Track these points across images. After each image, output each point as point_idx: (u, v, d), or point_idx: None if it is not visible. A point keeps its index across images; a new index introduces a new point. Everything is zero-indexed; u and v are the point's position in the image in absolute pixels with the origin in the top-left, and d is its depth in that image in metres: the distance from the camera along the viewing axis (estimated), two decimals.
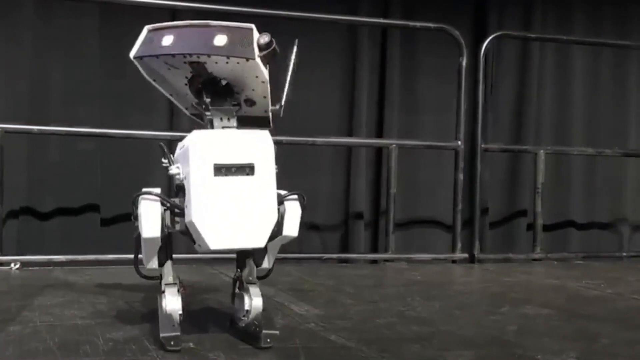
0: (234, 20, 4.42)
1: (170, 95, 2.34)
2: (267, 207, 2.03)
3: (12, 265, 3.65)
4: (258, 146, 2.04)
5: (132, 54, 2.15)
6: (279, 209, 2.08)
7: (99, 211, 4.30)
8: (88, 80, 4.29)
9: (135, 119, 4.25)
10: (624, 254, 5.16)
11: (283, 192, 2.14)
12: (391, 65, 4.95)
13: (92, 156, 4.30)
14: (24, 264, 3.69)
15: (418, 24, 4.59)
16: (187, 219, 2.02)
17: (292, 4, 4.23)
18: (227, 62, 2.13)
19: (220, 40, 2.11)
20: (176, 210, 2.09)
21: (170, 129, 4.34)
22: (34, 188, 4.20)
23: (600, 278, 3.88)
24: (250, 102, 2.27)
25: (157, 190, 2.11)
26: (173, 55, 2.12)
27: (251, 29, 2.14)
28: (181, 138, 3.98)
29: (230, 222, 1.99)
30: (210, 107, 2.16)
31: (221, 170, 1.99)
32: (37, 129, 3.85)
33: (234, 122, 2.15)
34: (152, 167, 3.93)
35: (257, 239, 2.03)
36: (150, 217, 2.04)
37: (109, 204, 4.28)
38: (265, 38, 2.11)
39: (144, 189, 2.10)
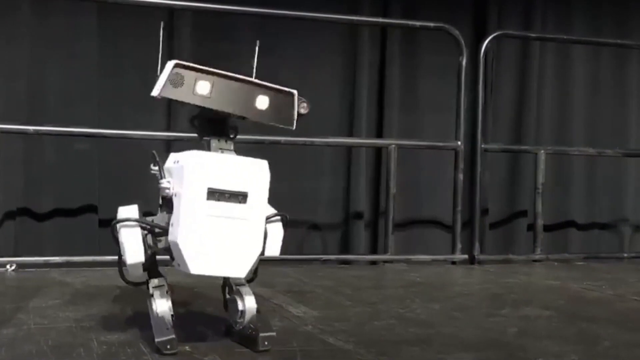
0: (234, 19, 4.44)
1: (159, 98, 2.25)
2: (254, 237, 2.02)
3: (8, 266, 3.63)
4: (254, 175, 2.02)
5: (158, 93, 2.01)
6: None
7: (96, 212, 4.28)
8: (85, 80, 4.27)
9: (133, 119, 4.23)
10: (625, 254, 5.14)
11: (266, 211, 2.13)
12: (391, 64, 4.94)
13: (90, 157, 4.28)
14: (20, 266, 3.66)
15: (418, 24, 4.58)
16: (171, 238, 2.00)
17: (292, 4, 4.21)
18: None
19: (262, 102, 2.08)
20: (157, 230, 2.07)
21: (168, 130, 4.32)
22: (31, 189, 4.18)
23: (601, 279, 3.86)
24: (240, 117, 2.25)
25: (135, 207, 2.07)
26: (210, 108, 2.05)
27: (293, 96, 2.11)
28: (178, 139, 4.01)
29: (215, 249, 1.97)
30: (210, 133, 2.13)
31: (214, 194, 1.97)
32: (33, 129, 3.82)
33: (231, 145, 2.12)
34: (149, 173, 3.90)
35: (239, 270, 2.02)
36: (132, 244, 2.03)
37: (107, 205, 4.25)
38: (306, 108, 2.11)
39: (120, 210, 2.07)
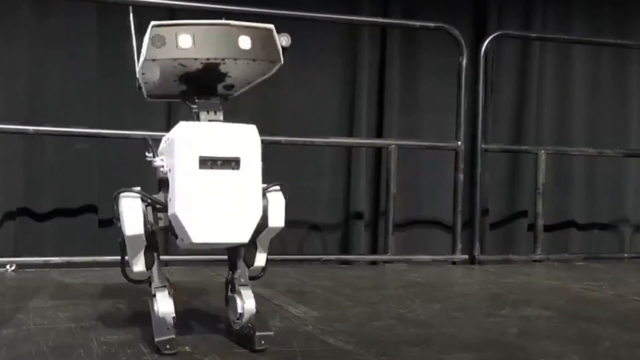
0: (234, 18, 4.44)
1: (145, 83, 2.22)
2: (251, 202, 2.00)
3: (8, 266, 3.63)
4: (245, 140, 2.01)
5: (145, 55, 2.01)
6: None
7: (96, 212, 4.28)
8: (85, 80, 4.27)
9: (133, 119, 4.23)
10: (625, 255, 5.14)
11: (264, 185, 2.11)
12: (391, 64, 4.93)
13: (90, 157, 4.27)
14: (20, 266, 3.66)
15: (418, 24, 4.58)
16: (170, 212, 1.99)
17: (292, 4, 4.21)
18: (248, 63, 2.10)
19: (245, 42, 2.07)
20: (158, 206, 2.06)
21: (168, 130, 4.31)
22: (31, 189, 4.18)
23: (602, 279, 3.86)
24: (229, 87, 2.24)
25: (137, 188, 2.08)
26: (195, 58, 2.05)
27: (272, 30, 2.11)
28: None
29: (214, 216, 1.96)
30: (196, 100, 2.12)
31: (207, 162, 1.96)
32: (33, 129, 3.82)
33: (220, 116, 2.11)
34: (150, 168, 3.90)
35: (241, 234, 2.00)
36: (132, 214, 2.02)
37: (107, 205, 4.24)
38: (287, 39, 2.10)
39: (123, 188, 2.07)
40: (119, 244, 2.11)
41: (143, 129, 4.02)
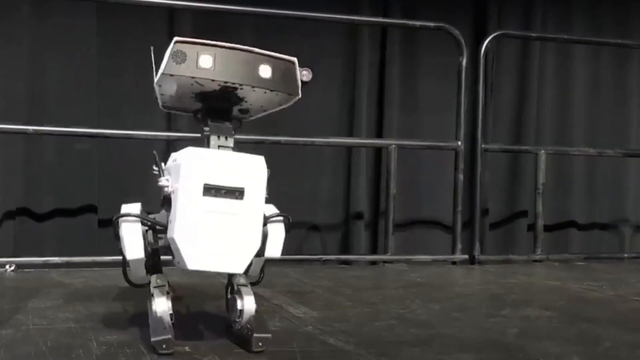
0: (234, 18, 4.42)
1: (162, 94, 2.22)
2: (251, 234, 2.01)
3: (7, 267, 3.62)
4: (251, 171, 2.01)
5: (164, 69, 2.00)
6: (262, 230, 2.05)
7: (96, 212, 4.28)
8: (85, 80, 4.27)
9: (133, 119, 4.23)
10: (626, 255, 5.14)
11: (269, 211, 2.12)
12: (391, 64, 4.93)
13: (89, 157, 4.27)
14: (20, 266, 3.65)
15: (418, 23, 4.57)
16: (169, 234, 2.00)
17: (292, 4, 4.20)
18: (265, 92, 2.10)
19: (265, 71, 2.07)
20: (158, 227, 2.08)
21: (168, 130, 4.32)
22: (30, 189, 4.18)
23: (602, 279, 3.86)
24: (244, 111, 2.24)
25: (137, 205, 2.09)
26: (213, 80, 2.04)
27: (294, 63, 2.11)
28: (179, 139, 4.00)
29: (212, 245, 1.97)
30: (209, 123, 2.12)
31: (211, 190, 1.96)
32: (33, 129, 3.81)
33: (230, 142, 2.11)
34: (150, 168, 3.90)
35: (237, 265, 2.01)
36: (132, 239, 2.03)
37: (107, 205, 4.25)
38: (308, 75, 2.11)
39: (124, 207, 2.08)
40: (120, 250, 2.11)
41: (143, 129, 4.03)
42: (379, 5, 4.92)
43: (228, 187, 1.98)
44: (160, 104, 2.30)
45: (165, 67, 2.00)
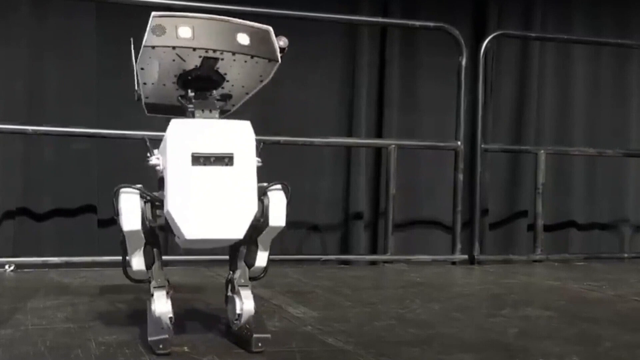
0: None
1: (144, 83, 2.22)
2: (246, 198, 1.98)
3: (7, 267, 3.62)
4: (238, 136, 2.00)
5: (145, 42, 2.01)
6: (262, 200, 2.04)
7: (95, 212, 4.28)
8: (84, 80, 4.27)
9: (132, 119, 4.22)
10: (626, 255, 5.14)
11: (266, 184, 2.10)
12: (390, 65, 4.93)
13: (89, 157, 4.27)
14: (19, 266, 3.66)
15: (417, 24, 4.57)
16: (165, 209, 1.98)
17: (292, 3, 4.21)
18: (245, 61, 2.10)
19: (243, 39, 2.07)
20: (157, 203, 2.05)
21: None
22: (30, 189, 4.18)
23: (602, 279, 3.86)
24: (226, 97, 2.24)
25: (139, 186, 2.07)
26: (194, 49, 2.04)
27: (270, 31, 2.12)
28: None
29: (208, 213, 1.94)
30: (193, 100, 2.11)
31: (199, 159, 1.95)
32: (32, 130, 3.81)
33: (215, 114, 2.10)
34: (149, 168, 3.90)
35: (236, 230, 1.98)
36: (130, 209, 2.01)
37: (106, 205, 4.24)
38: (284, 41, 2.11)
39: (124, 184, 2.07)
40: (120, 243, 2.10)
41: (142, 129, 4.02)
42: (378, 5, 4.92)
43: (217, 154, 1.96)
44: (143, 102, 2.30)
45: (146, 40, 2.00)
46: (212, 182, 1.95)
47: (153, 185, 2.16)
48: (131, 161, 4.22)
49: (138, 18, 4.25)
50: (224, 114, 2.25)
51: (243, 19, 2.17)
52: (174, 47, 2.03)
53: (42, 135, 3.98)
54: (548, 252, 4.77)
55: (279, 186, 2.10)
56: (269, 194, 2.08)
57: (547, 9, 5.29)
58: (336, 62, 4.85)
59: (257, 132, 3.97)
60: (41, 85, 4.22)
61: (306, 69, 4.64)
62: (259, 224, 2.04)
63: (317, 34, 4.62)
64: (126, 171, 4.24)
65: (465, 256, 4.47)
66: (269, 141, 3.98)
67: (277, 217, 2.07)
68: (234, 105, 2.32)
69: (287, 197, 2.10)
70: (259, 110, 4.42)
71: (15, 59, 4.14)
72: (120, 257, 2.15)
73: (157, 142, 4.09)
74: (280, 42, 2.12)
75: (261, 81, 2.20)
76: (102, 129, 3.99)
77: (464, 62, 4.45)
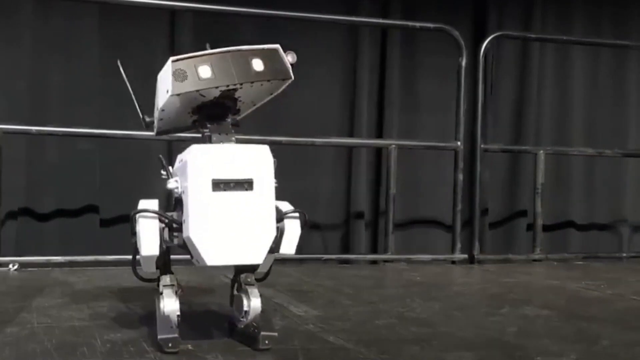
0: (234, 19, 4.43)
1: (161, 119, 2.25)
2: (265, 223, 2.02)
3: (11, 266, 3.65)
4: (257, 161, 2.03)
5: (171, 91, 2.03)
6: (278, 227, 2.07)
7: (98, 212, 4.29)
8: (87, 80, 4.28)
9: (135, 120, 4.23)
10: (624, 254, 5.15)
11: (284, 207, 2.13)
12: (391, 65, 4.94)
13: (91, 157, 4.29)
14: (23, 265, 3.68)
15: (418, 24, 4.58)
16: (184, 234, 2.01)
17: (292, 4, 4.22)
18: (262, 85, 2.14)
19: (258, 65, 2.11)
20: (174, 225, 2.09)
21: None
22: (33, 189, 4.19)
23: (600, 279, 3.87)
24: (236, 112, 2.27)
25: (155, 201, 2.10)
26: (217, 87, 2.08)
27: (278, 49, 2.16)
28: (180, 139, 4.01)
29: (228, 238, 1.98)
30: (208, 125, 2.14)
31: (219, 185, 1.98)
32: (36, 130, 3.84)
33: (232, 137, 2.13)
34: (151, 168, 3.92)
35: (255, 256, 2.02)
36: (148, 236, 2.04)
37: (108, 205, 4.27)
38: (292, 57, 2.15)
39: (142, 202, 2.09)
40: (133, 245, 2.13)
41: (144, 129, 4.04)
42: (378, 6, 4.93)
43: (236, 179, 1.99)
44: (155, 131, 2.32)
45: (172, 88, 2.03)
46: (232, 208, 1.99)
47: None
48: (133, 161, 4.27)
49: (140, 18, 4.31)
50: (237, 126, 2.27)
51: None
52: (197, 90, 2.06)
53: (45, 135, 4.00)
54: (547, 252, 4.79)
55: (296, 215, 2.14)
56: (286, 221, 2.11)
57: (546, 10, 5.30)
58: (337, 63, 4.86)
59: (258, 132, 4.01)
60: (44, 86, 4.23)
61: (307, 70, 4.64)
62: (271, 247, 2.07)
63: (317, 35, 4.63)
64: (128, 171, 4.28)
65: (465, 255, 4.49)
66: (270, 141, 3.99)
67: (289, 246, 2.13)
68: (240, 116, 2.34)
69: (302, 226, 2.14)
70: (259, 111, 4.45)
71: (18, 60, 4.16)
72: (126, 257, 2.17)
73: (159, 143, 4.12)
74: (289, 58, 2.15)
75: (271, 94, 2.24)
76: (105, 129, 4.00)
77: (464, 63, 4.47)
